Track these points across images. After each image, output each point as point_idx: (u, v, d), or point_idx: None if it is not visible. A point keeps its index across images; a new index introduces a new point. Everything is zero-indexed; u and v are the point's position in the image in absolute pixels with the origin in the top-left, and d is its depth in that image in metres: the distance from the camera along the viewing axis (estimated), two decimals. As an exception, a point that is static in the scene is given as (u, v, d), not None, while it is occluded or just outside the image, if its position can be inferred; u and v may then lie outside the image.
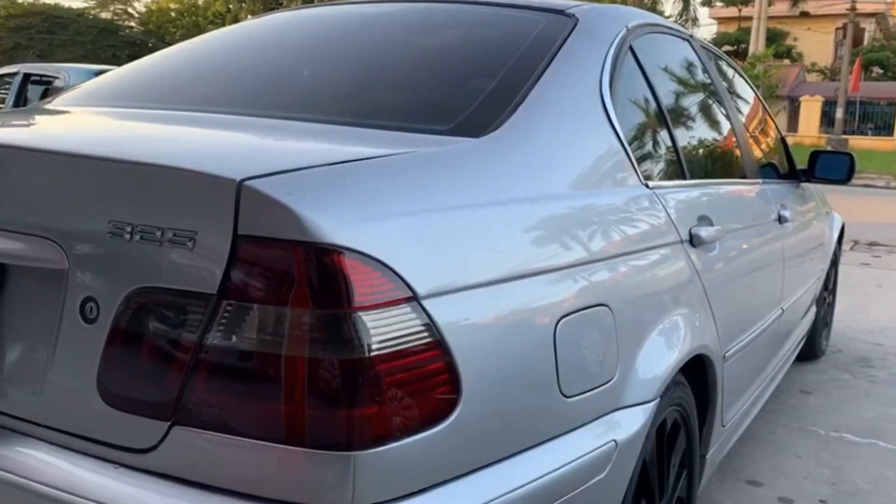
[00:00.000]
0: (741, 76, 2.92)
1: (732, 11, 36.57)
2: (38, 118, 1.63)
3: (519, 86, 1.43)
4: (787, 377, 3.70)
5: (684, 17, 31.60)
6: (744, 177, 2.40)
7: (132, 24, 32.89)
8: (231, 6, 32.90)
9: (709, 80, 2.34)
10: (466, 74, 1.55)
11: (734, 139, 2.40)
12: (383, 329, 0.95)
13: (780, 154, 3.12)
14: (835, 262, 4.04)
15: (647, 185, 1.61)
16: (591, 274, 1.31)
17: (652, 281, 1.52)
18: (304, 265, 0.93)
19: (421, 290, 0.99)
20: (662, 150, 1.83)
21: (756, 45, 28.48)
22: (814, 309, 3.58)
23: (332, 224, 0.94)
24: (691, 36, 2.39)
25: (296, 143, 1.27)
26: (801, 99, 30.07)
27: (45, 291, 1.09)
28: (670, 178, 1.81)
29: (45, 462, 1.07)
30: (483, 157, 1.24)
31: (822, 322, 3.88)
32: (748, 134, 2.61)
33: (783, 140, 3.21)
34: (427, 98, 1.49)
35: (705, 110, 2.30)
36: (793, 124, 29.41)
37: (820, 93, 30.10)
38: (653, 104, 1.84)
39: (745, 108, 2.78)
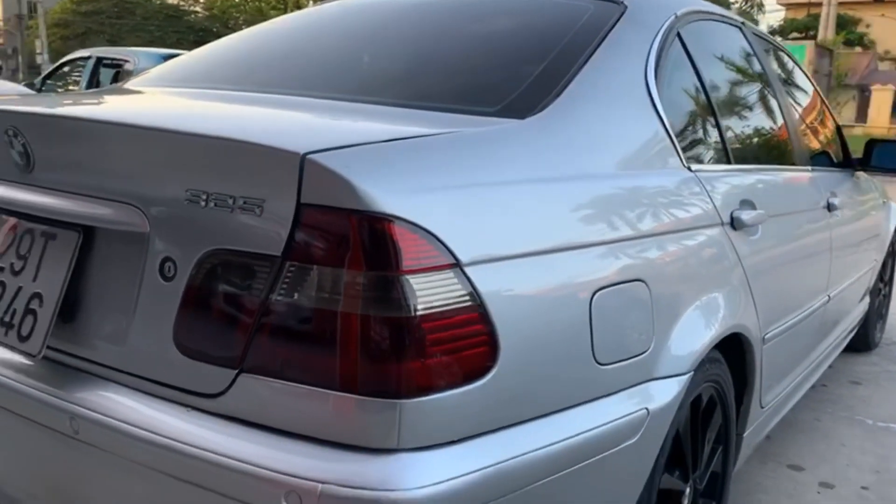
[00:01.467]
0: (796, 64, 2.92)
1: (802, -3, 35.48)
2: (120, 97, 1.77)
3: (565, 70, 1.50)
4: (837, 367, 3.68)
5: (750, 3, 30.79)
6: (792, 164, 2.42)
7: (197, 9, 33.63)
8: (293, -9, 33.33)
9: (758, 68, 2.36)
10: (516, 59, 1.62)
11: (783, 126, 2.41)
12: (428, 291, 1.04)
13: (834, 143, 3.11)
14: (892, 253, 3.98)
15: (689, 169, 1.66)
16: (628, 250, 1.38)
17: (690, 260, 1.58)
18: (359, 231, 1.03)
19: (464, 257, 1.08)
20: (707, 135, 1.88)
21: (825, 31, 27.61)
22: (867, 299, 3.54)
23: (384, 195, 1.04)
24: (743, 23, 2.41)
25: (354, 121, 1.37)
26: (871, 88, 29.05)
27: (128, 252, 1.22)
28: (714, 163, 1.86)
29: (126, 405, 1.19)
30: (526, 137, 1.32)
31: (876, 313, 3.83)
32: (799, 121, 2.62)
33: (839, 129, 3.19)
34: (478, 81, 1.57)
35: (753, 97, 2.33)
36: (862, 114, 28.47)
37: (893, 82, 29.02)
38: (699, 90, 1.89)
39: (798, 97, 2.78)
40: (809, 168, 2.51)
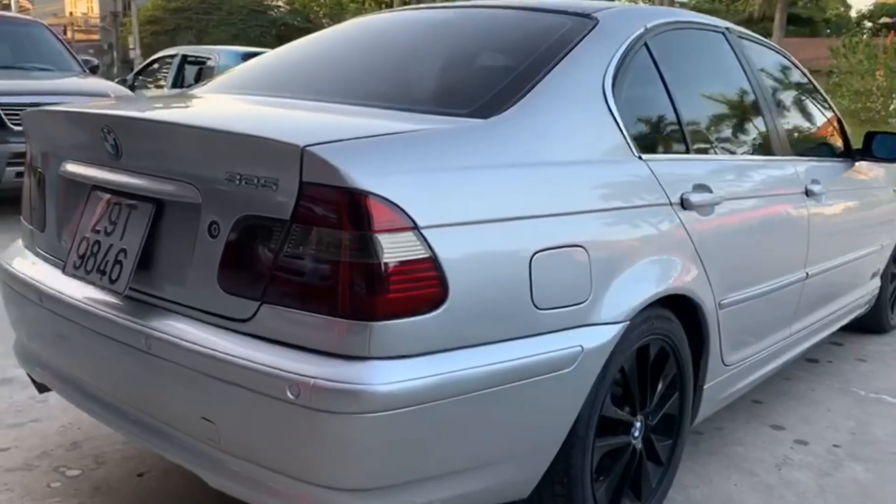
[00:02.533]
0: (793, 64, 3.19)
1: (893, -20, 34.06)
2: (187, 102, 2.24)
3: (530, 78, 1.88)
4: (847, 346, 3.90)
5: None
6: (770, 155, 2.71)
7: (279, 3, 34.81)
8: (371, -15, 34.09)
9: (737, 68, 2.66)
10: (493, 70, 2.01)
11: (759, 121, 2.70)
12: (393, 246, 1.45)
13: (833, 135, 3.36)
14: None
15: (639, 158, 2.01)
16: (568, 222, 1.75)
17: (631, 232, 1.92)
18: (344, 201, 1.44)
19: (421, 222, 1.47)
20: (664, 130, 2.22)
21: (915, 17, 26.49)
22: (876, 282, 3.75)
23: (362, 176, 1.44)
24: (727, 28, 2.71)
25: (349, 120, 1.78)
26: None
27: (187, 218, 1.66)
28: (669, 154, 2.20)
29: (184, 328, 1.64)
30: (484, 133, 1.71)
31: (888, 296, 4.01)
32: (783, 116, 2.89)
33: (840, 122, 3.43)
34: (459, 89, 1.97)
35: (724, 96, 2.63)
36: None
37: None
38: (661, 92, 2.22)
39: (786, 94, 3.06)
40: (788, 158, 2.79)
